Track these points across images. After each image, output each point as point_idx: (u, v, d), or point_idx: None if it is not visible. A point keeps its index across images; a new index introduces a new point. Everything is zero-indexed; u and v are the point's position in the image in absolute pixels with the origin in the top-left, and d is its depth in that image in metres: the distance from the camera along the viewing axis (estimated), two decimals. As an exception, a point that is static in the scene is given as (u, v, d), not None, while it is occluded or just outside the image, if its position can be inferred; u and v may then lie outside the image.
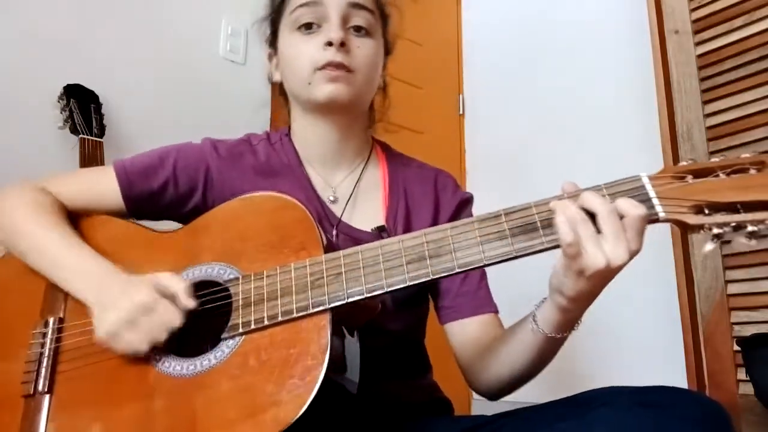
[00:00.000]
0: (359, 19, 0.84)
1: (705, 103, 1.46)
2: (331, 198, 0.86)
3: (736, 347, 1.29)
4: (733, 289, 1.36)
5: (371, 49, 0.85)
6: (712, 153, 1.42)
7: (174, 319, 0.65)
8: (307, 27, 0.83)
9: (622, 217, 0.56)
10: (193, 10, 1.73)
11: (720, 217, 0.55)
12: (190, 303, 0.66)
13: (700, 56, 1.48)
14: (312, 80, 0.82)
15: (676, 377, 1.45)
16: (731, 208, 0.55)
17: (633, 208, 0.56)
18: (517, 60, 2.28)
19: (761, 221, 0.54)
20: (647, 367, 1.69)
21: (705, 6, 1.48)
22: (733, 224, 0.55)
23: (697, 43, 1.48)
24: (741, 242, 0.55)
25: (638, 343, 1.74)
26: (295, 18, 0.83)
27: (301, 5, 0.83)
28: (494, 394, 0.80)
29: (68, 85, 1.39)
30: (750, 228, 0.54)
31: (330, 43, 0.80)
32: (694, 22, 1.49)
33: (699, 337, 1.40)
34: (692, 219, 0.56)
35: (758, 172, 0.56)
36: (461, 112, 2.44)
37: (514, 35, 2.32)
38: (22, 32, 1.38)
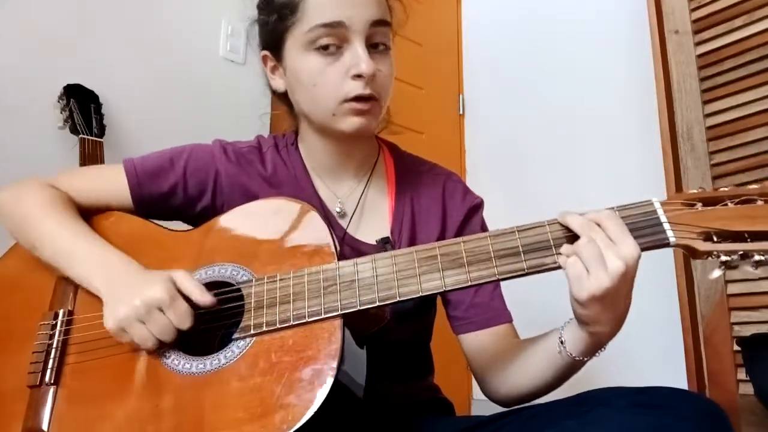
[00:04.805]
0: (380, 36, 0.78)
1: (705, 103, 1.45)
2: (338, 210, 0.85)
3: (736, 347, 1.29)
4: (733, 289, 1.36)
5: (390, 67, 0.80)
6: (712, 153, 1.42)
7: (184, 320, 0.66)
8: (326, 48, 0.76)
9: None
10: (193, 10, 1.73)
11: (728, 245, 0.57)
12: (207, 299, 0.67)
13: (700, 56, 1.48)
14: (337, 112, 0.77)
15: (676, 377, 1.45)
16: (739, 236, 0.57)
17: (628, 249, 0.58)
18: (517, 60, 2.28)
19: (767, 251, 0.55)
20: (647, 368, 1.69)
21: (705, 6, 1.48)
22: (741, 252, 0.56)
23: (697, 43, 1.48)
24: (747, 270, 0.57)
25: (638, 343, 1.73)
26: (314, 38, 0.76)
27: (322, 25, 0.75)
28: (510, 402, 0.78)
29: (68, 85, 1.39)
30: (756, 257, 0.56)
31: (360, 75, 0.75)
32: (694, 22, 1.49)
33: (699, 337, 1.40)
34: (701, 245, 0.58)
35: (765, 203, 0.58)
36: (461, 112, 2.44)
37: (514, 35, 2.31)
38: (22, 32, 1.38)
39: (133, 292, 0.66)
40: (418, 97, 2.27)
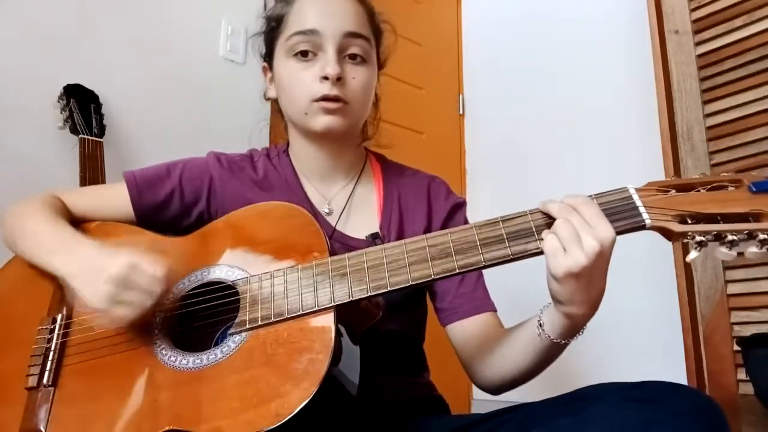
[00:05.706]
0: (355, 47, 0.85)
1: (705, 103, 1.46)
2: (326, 210, 0.90)
3: (736, 347, 1.29)
4: (733, 289, 1.36)
5: (366, 77, 0.86)
6: (712, 153, 1.43)
7: (153, 283, 0.67)
8: (303, 55, 0.84)
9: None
10: (193, 10, 1.73)
11: (702, 226, 0.60)
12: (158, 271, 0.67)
13: (700, 56, 1.48)
14: (308, 111, 0.84)
15: (676, 377, 1.44)
16: (712, 218, 0.60)
17: (603, 231, 0.60)
18: (517, 60, 2.28)
19: (739, 231, 0.59)
20: (647, 368, 1.68)
21: (705, 6, 1.48)
22: (714, 233, 0.60)
23: (697, 43, 1.48)
24: (722, 252, 0.60)
25: (638, 343, 1.74)
26: (292, 45, 0.85)
27: (298, 33, 0.84)
28: (496, 389, 0.81)
29: (68, 85, 1.39)
30: (729, 237, 0.59)
31: (326, 77, 0.82)
32: (694, 22, 1.50)
33: (699, 337, 1.40)
34: (677, 227, 0.61)
35: (736, 189, 0.62)
36: (461, 112, 2.44)
37: (514, 35, 2.32)
38: (22, 32, 1.38)
39: (97, 274, 0.67)
40: (418, 97, 2.27)
